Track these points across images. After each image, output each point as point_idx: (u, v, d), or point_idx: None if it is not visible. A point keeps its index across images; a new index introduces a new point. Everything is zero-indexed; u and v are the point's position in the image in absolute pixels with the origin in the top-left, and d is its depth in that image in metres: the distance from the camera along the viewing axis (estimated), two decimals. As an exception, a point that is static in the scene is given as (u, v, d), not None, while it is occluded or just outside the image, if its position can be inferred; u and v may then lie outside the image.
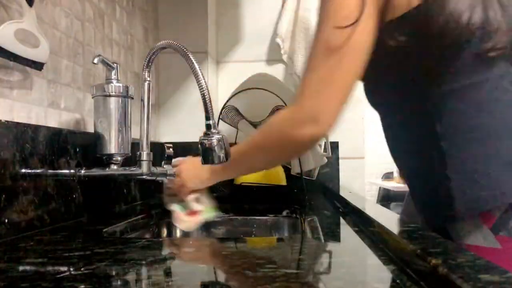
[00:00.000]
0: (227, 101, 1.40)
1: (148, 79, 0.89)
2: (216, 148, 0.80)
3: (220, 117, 1.39)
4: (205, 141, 0.80)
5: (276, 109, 1.42)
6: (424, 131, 0.71)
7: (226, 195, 1.30)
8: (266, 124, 0.83)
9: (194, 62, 0.81)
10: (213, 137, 0.80)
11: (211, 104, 0.81)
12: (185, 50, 0.82)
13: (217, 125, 1.33)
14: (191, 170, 0.94)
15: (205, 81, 0.80)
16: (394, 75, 0.73)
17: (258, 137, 0.84)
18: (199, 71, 0.81)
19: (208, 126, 0.81)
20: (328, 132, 0.73)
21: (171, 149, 0.95)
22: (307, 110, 0.71)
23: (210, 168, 0.91)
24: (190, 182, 0.94)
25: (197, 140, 1.57)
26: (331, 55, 0.67)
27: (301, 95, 0.73)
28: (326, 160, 1.44)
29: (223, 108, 1.39)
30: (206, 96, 0.80)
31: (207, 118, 0.81)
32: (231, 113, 1.44)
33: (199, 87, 0.80)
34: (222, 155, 0.80)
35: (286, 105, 1.41)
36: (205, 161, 0.81)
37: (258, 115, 1.48)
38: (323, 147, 1.44)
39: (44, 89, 0.83)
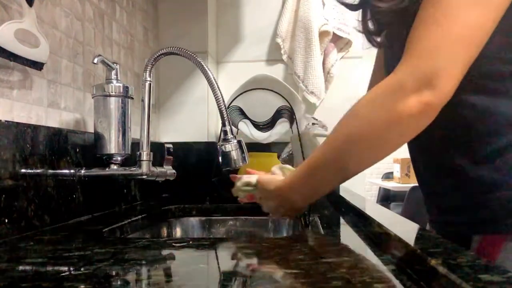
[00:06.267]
0: (232, 101, 1.41)
1: (149, 79, 0.89)
2: (233, 152, 0.84)
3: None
4: (223, 147, 0.85)
5: (281, 109, 1.42)
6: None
7: (230, 195, 1.30)
8: (359, 103, 0.63)
9: (209, 71, 0.87)
10: (231, 142, 0.85)
11: (227, 112, 0.87)
12: (200, 60, 0.87)
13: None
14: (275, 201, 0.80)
15: (220, 92, 0.86)
16: None
17: (347, 127, 0.64)
18: (214, 80, 0.86)
19: (225, 132, 0.86)
20: (444, 101, 0.58)
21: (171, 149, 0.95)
22: (421, 71, 0.57)
23: (289, 194, 0.76)
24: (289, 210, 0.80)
25: (197, 140, 1.58)
26: (475, 5, 0.56)
27: (412, 54, 0.58)
28: None
29: (227, 107, 1.39)
30: (221, 106, 0.86)
31: (224, 124, 0.87)
32: (234, 113, 1.44)
33: (215, 97, 0.87)
34: (239, 158, 0.86)
35: (291, 105, 1.40)
36: (224, 165, 0.86)
37: (260, 115, 1.48)
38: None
39: (44, 89, 0.83)
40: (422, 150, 0.75)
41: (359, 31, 0.81)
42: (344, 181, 0.70)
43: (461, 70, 0.57)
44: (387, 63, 0.78)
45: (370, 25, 0.78)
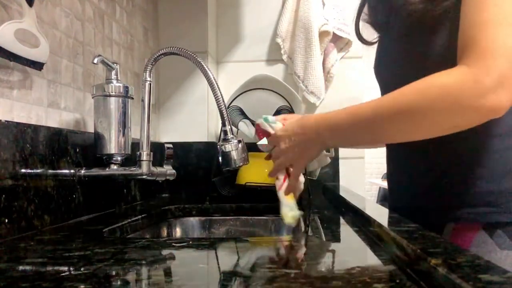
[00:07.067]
0: (232, 101, 1.41)
1: (149, 79, 0.89)
2: (233, 152, 0.84)
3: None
4: (223, 147, 0.86)
5: (281, 109, 1.42)
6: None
7: (231, 195, 1.30)
8: (421, 84, 0.62)
9: (209, 71, 0.86)
10: (231, 142, 0.86)
11: (227, 112, 0.87)
12: (200, 60, 0.87)
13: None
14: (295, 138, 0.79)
15: (220, 92, 0.86)
16: None
17: (403, 98, 0.63)
18: (214, 80, 0.86)
19: (225, 132, 0.86)
20: None
21: (171, 150, 0.96)
22: (498, 70, 0.56)
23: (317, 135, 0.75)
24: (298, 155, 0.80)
25: (197, 140, 1.58)
26: None
27: (485, 51, 0.58)
28: (329, 160, 1.44)
29: (227, 107, 1.39)
30: (221, 106, 0.86)
31: (224, 124, 0.87)
32: (234, 113, 1.44)
33: (215, 97, 0.86)
34: (240, 158, 0.86)
35: (291, 105, 1.40)
36: (224, 165, 0.86)
37: (260, 115, 1.48)
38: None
39: (44, 89, 0.83)
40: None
41: (356, 33, 0.86)
42: (374, 142, 0.80)
43: None
44: (379, 55, 0.85)
45: (366, 22, 0.84)
